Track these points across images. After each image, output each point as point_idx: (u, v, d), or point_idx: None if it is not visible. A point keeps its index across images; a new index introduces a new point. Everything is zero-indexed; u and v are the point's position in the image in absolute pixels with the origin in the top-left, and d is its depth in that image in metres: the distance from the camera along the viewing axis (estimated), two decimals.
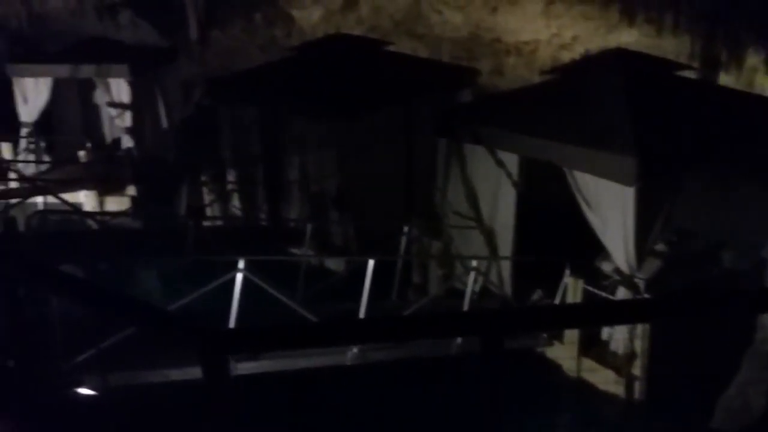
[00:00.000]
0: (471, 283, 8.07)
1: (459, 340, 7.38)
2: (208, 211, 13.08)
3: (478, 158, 9.08)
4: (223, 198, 12.84)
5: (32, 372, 5.53)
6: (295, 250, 10.45)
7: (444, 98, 11.42)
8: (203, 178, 13.33)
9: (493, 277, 9.03)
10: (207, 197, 13.35)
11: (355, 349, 6.93)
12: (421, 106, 10.75)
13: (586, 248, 8.14)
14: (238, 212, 12.65)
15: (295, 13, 13.99)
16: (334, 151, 10.77)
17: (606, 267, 8.05)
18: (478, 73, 12.64)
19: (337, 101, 10.78)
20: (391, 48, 12.92)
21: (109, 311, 4.38)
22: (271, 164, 11.98)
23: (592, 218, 7.85)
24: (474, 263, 8.23)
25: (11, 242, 8.83)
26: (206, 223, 11.83)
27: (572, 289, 7.85)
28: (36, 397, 5.45)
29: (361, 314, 7.10)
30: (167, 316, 3.73)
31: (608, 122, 7.94)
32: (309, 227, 10.01)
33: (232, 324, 6.55)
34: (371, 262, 7.22)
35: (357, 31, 13.53)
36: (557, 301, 8.17)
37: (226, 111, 12.63)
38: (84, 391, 5.60)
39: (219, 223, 12.65)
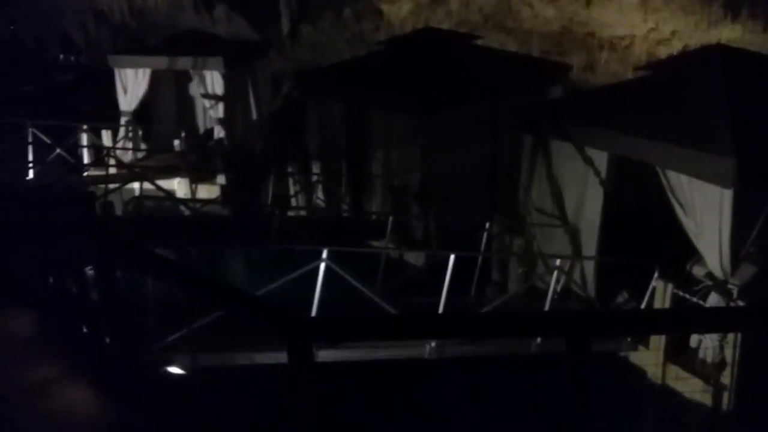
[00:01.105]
0: (554, 283, 7.92)
1: (539, 339, 7.27)
2: (293, 202, 13.39)
3: (565, 155, 8.88)
4: (308, 189, 13.09)
5: (126, 349, 5.85)
6: (375, 243, 10.55)
7: (533, 94, 11.22)
8: (289, 169, 13.63)
9: (577, 277, 8.82)
10: (292, 188, 13.66)
11: (433, 344, 6.95)
12: (509, 102, 10.60)
13: (677, 251, 7.83)
14: (321, 203, 12.88)
15: (384, 7, 14.08)
16: (417, 145, 10.78)
17: (698, 271, 7.72)
18: (569, 68, 12.34)
19: (423, 96, 10.78)
20: (480, 42, 12.78)
21: (201, 294, 4.58)
22: (355, 157, 12.12)
23: (686, 220, 7.54)
24: (557, 262, 8.07)
25: (109, 225, 9.35)
26: (291, 213, 12.13)
27: (661, 292, 7.58)
28: (129, 373, 5.77)
29: (441, 309, 7.11)
30: (256, 301, 3.86)
31: (706, 122, 7.59)
32: (390, 220, 10.07)
33: (314, 312, 6.71)
34: (452, 257, 7.21)
35: (445, 25, 13.49)
36: (644, 304, 7.90)
37: (313, 104, 12.86)
38: (173, 369, 5.87)
39: (303, 213, 12.93)
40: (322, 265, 6.93)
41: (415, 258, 10.26)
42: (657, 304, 7.57)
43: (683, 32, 11.54)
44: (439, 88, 10.91)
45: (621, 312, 7.14)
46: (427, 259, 9.83)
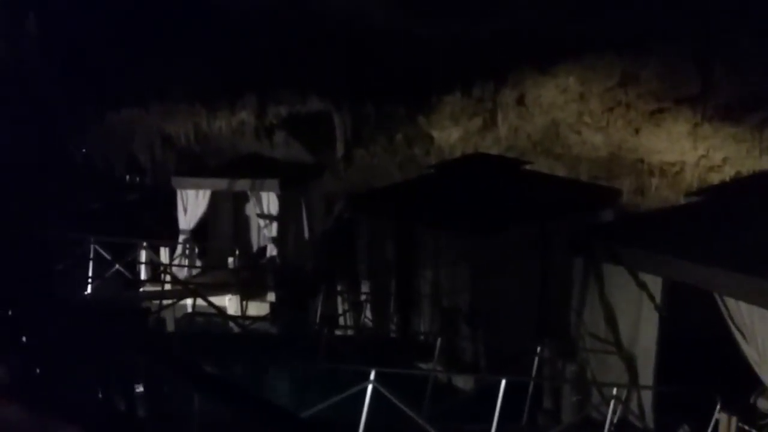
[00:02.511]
0: (611, 413, 7.54)
1: None
2: (341, 320, 13.37)
3: (618, 279, 8.72)
4: (356, 308, 13.10)
5: None
6: (423, 365, 10.35)
7: (584, 217, 11.25)
8: (338, 288, 13.73)
9: (634, 407, 8.39)
10: (341, 306, 13.69)
11: None
12: (559, 225, 10.62)
13: (740, 382, 7.43)
14: (369, 323, 12.82)
15: (435, 133, 14.63)
16: (467, 266, 10.78)
17: (763, 404, 7.27)
18: (620, 192, 12.39)
19: (472, 217, 10.92)
20: (529, 167, 13.04)
21: (248, 414, 4.54)
22: (404, 277, 12.16)
23: (747, 348, 7.20)
24: (614, 391, 7.72)
25: (160, 341, 9.47)
26: (338, 332, 12.08)
27: (724, 426, 7.13)
28: None
29: None
30: (304, 424, 3.81)
31: (764, 248, 7.42)
32: (439, 342, 9.93)
33: None
34: (503, 382, 7.00)
35: (494, 151, 13.87)
36: None
37: (363, 224, 13.13)
38: None
39: (351, 332, 12.86)
40: (369, 387, 6.81)
41: (464, 381, 9.99)
42: None
43: (734, 159, 11.57)
44: (489, 210, 11.06)
45: None
46: (477, 383, 9.56)
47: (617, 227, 10.45)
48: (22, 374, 8.37)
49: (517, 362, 9.06)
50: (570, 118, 13.63)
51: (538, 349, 9.05)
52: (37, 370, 8.18)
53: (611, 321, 8.78)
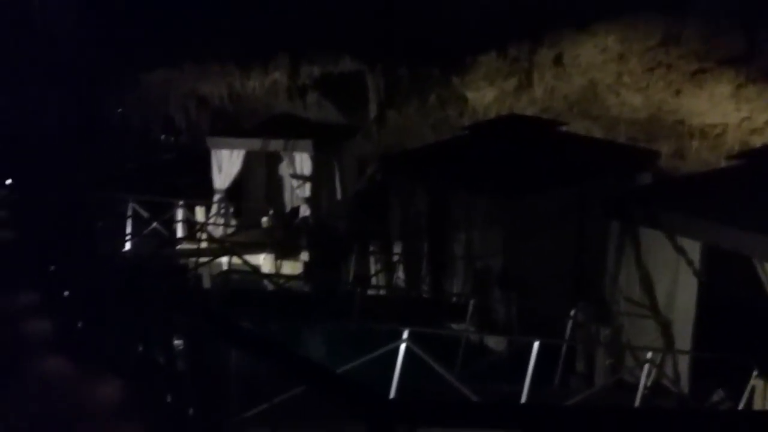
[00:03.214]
0: (644, 377, 7.52)
1: None
2: (374, 281, 13.48)
3: (655, 243, 8.60)
4: (389, 269, 13.17)
5: (208, 421, 5.92)
6: (454, 325, 10.41)
7: (621, 180, 11.06)
8: (371, 249, 13.80)
9: (669, 371, 8.35)
10: (373, 267, 13.78)
11: None
12: (595, 187, 10.47)
13: None
14: (402, 283, 12.90)
15: (469, 94, 14.41)
16: (500, 228, 10.73)
17: None
18: (658, 155, 12.13)
19: (506, 179, 10.82)
20: (565, 129, 12.82)
21: (283, 369, 4.63)
22: (437, 239, 12.17)
23: None
24: (648, 355, 7.68)
25: (198, 297, 9.66)
26: (371, 292, 12.19)
27: (760, 393, 7.06)
28: None
29: (523, 398, 6.86)
30: (339, 379, 3.86)
31: None
32: (471, 303, 9.95)
33: (392, 394, 6.61)
34: (536, 344, 7.01)
35: (530, 112, 13.62)
36: (742, 405, 7.36)
37: (396, 186, 13.11)
38: None
39: (383, 293, 12.97)
40: (402, 346, 6.88)
41: (496, 343, 10.04)
42: (756, 406, 7.05)
43: None
44: (522, 172, 10.94)
45: (719, 412, 6.68)
46: (509, 344, 9.60)
47: (656, 191, 10.26)
48: (65, 327, 8.66)
49: (550, 325, 9.04)
50: (608, 79, 13.29)
51: (572, 312, 9.02)
52: (80, 324, 8.46)
53: (647, 285, 8.70)
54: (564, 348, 8.77)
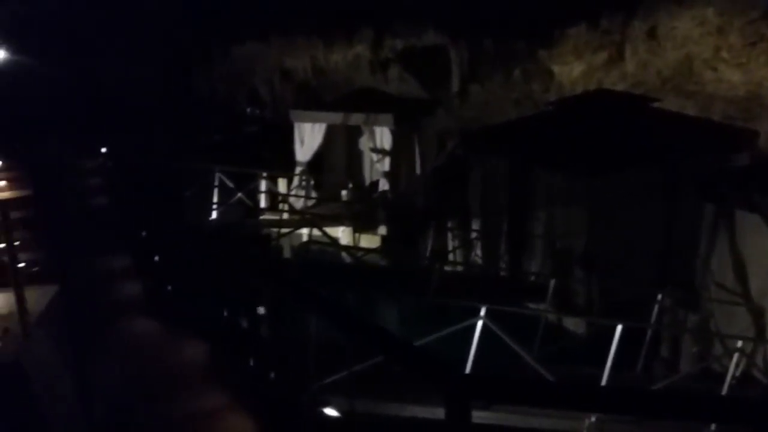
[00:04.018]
0: (733, 366, 7.20)
1: (713, 426, 6.60)
2: (451, 257, 13.44)
3: (752, 228, 8.16)
4: (467, 245, 13.10)
5: (288, 386, 6.09)
6: (532, 305, 10.26)
7: (715, 160, 10.52)
8: (449, 225, 13.74)
9: (759, 361, 7.96)
10: (451, 243, 13.73)
11: (593, 418, 6.54)
12: (688, 167, 10.00)
13: None
14: (479, 261, 12.80)
15: (556, 68, 13.96)
16: (584, 207, 10.45)
17: None
18: (756, 134, 11.44)
19: (591, 157, 10.48)
20: (657, 105, 12.27)
21: (363, 339, 4.68)
22: (517, 216, 11.98)
23: None
24: (738, 343, 7.34)
25: (279, 266, 9.90)
26: (447, 268, 12.17)
27: None
28: (288, 410, 5.98)
29: (603, 381, 6.71)
30: (418, 351, 3.87)
31: None
32: (552, 283, 9.77)
33: (467, 370, 6.60)
34: (619, 328, 6.81)
35: (620, 87, 13.08)
36: None
37: (477, 162, 12.95)
38: (330, 411, 6.00)
39: (459, 269, 12.92)
40: (479, 323, 6.85)
41: (575, 325, 9.84)
42: None
43: None
44: (609, 150, 10.56)
45: None
46: (589, 327, 9.39)
47: (754, 172, 9.70)
48: (155, 291, 9.07)
49: (634, 308, 8.77)
50: (706, 53, 12.57)
51: (659, 296, 8.71)
52: (169, 288, 8.84)
53: (741, 271, 8.29)
54: (649, 333, 8.49)
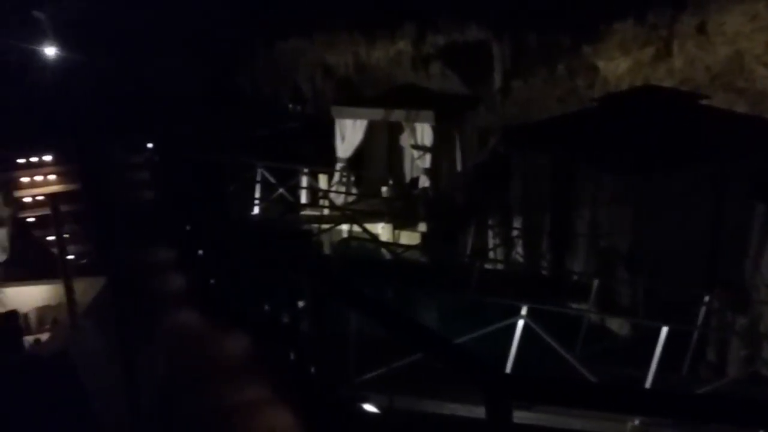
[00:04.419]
0: None
1: None
2: (491, 255, 13.33)
3: None
4: (507, 243, 12.97)
5: (328, 381, 6.12)
6: (575, 305, 10.12)
7: (765, 159, 10.19)
8: (490, 222, 13.63)
9: None
10: (491, 241, 13.62)
11: (636, 421, 6.42)
12: (737, 166, 9.72)
13: None
14: (520, 259, 12.67)
15: (601, 64, 13.72)
16: (629, 206, 10.24)
17: None
18: None
19: (637, 154, 10.27)
20: (706, 102, 11.95)
21: (404, 335, 4.68)
22: (559, 214, 11.81)
23: None
24: None
25: (319, 262, 9.96)
26: (488, 266, 12.07)
27: None
28: (327, 405, 6.01)
29: (647, 384, 6.58)
30: (458, 350, 3.86)
31: None
32: (595, 283, 9.61)
33: (508, 369, 6.55)
34: (664, 330, 6.67)
35: (667, 83, 12.80)
36: None
37: (519, 159, 12.81)
38: (369, 407, 6.01)
39: (500, 267, 12.80)
40: (520, 322, 6.78)
41: (618, 326, 9.67)
42: None
43: None
44: (655, 148, 10.33)
45: None
46: (633, 328, 9.21)
47: None
48: (198, 284, 9.23)
49: (680, 310, 8.57)
50: (757, 49, 12.21)
51: (706, 298, 8.50)
52: (212, 281, 8.98)
53: None
54: (695, 336, 8.29)
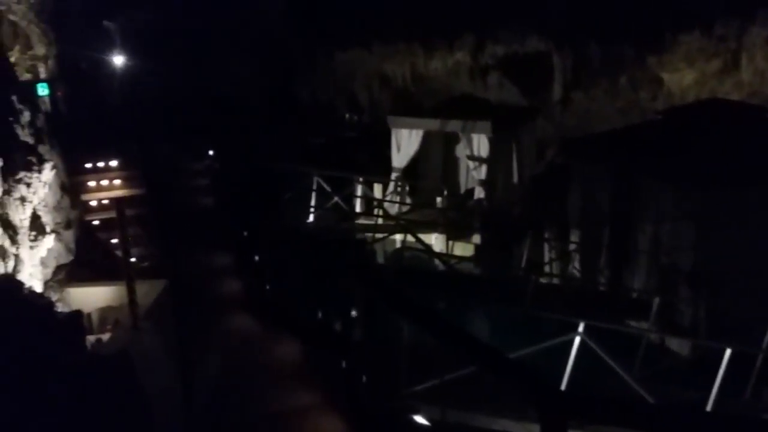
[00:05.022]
0: None
1: None
2: (547, 268, 13.09)
3: None
4: (564, 257, 12.72)
5: (379, 390, 6.11)
6: (633, 323, 9.83)
7: None
8: (546, 235, 13.39)
9: None
10: (547, 254, 13.37)
11: None
12: None
13: None
14: (577, 274, 12.40)
15: (665, 76, 13.39)
16: (693, 222, 9.91)
17: None
18: None
19: (702, 169, 9.93)
20: None
21: (457, 348, 4.63)
22: (620, 229, 11.51)
23: None
24: None
25: (372, 271, 9.97)
26: (543, 280, 11.85)
27: None
28: (378, 414, 6.00)
29: (709, 407, 6.33)
30: (513, 364, 3.79)
31: None
32: (656, 301, 9.32)
33: (563, 386, 6.40)
34: (728, 351, 6.41)
35: (734, 97, 12.39)
36: None
37: (578, 171, 12.56)
38: (419, 419, 5.97)
39: (556, 281, 12.56)
40: (577, 339, 6.63)
41: (679, 346, 9.34)
42: None
43: None
44: (722, 162, 9.97)
45: None
46: (694, 349, 8.89)
47: None
48: (254, 289, 9.37)
49: (745, 330, 8.22)
50: None
51: None
52: (267, 287, 9.11)
53: None
54: (760, 358, 7.93)
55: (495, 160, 14.82)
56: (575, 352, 6.47)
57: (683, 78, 13.10)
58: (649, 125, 12.27)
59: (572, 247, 12.62)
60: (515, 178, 15.17)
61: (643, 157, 11.00)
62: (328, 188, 14.25)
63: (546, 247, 13.44)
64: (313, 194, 14.28)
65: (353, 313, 6.39)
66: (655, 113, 12.68)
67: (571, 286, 12.21)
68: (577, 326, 6.66)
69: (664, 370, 8.22)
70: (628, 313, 10.13)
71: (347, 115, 21.54)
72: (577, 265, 12.38)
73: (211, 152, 15.91)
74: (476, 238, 14.28)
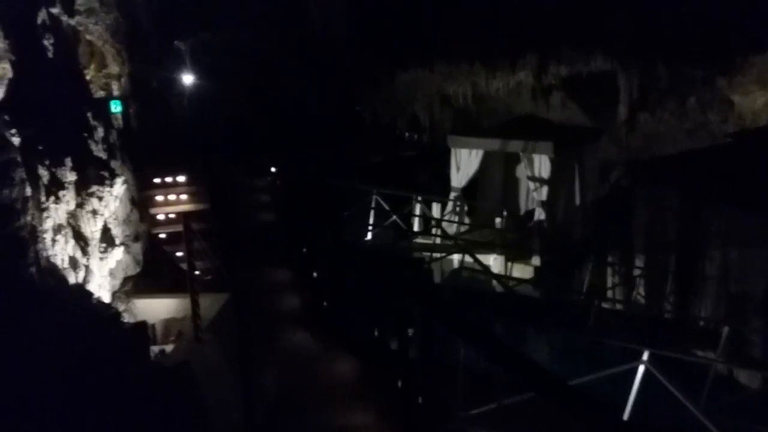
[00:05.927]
0: None
1: None
2: (610, 294, 12.75)
3: None
4: (628, 283, 12.37)
5: (435, 412, 6.05)
6: (700, 353, 9.47)
7: None
8: (609, 259, 13.07)
9: None
10: (610, 279, 13.04)
11: None
12: None
13: None
14: (641, 300, 12.04)
15: (736, 98, 12.95)
16: (765, 248, 9.51)
17: None
18: None
19: None
20: None
21: (515, 372, 4.55)
22: (687, 255, 11.14)
23: None
24: None
25: (430, 291, 9.92)
26: (606, 305, 11.55)
27: None
28: None
29: None
30: (574, 392, 3.70)
31: None
32: (725, 330, 8.96)
33: (626, 416, 6.21)
34: None
35: None
36: None
37: (643, 194, 12.24)
38: None
39: (619, 307, 12.21)
40: (641, 368, 6.42)
41: (749, 378, 8.93)
42: None
43: None
44: None
45: None
46: (765, 381, 8.49)
47: None
48: (312, 306, 9.45)
49: None
50: None
51: None
52: (325, 303, 9.17)
53: None
54: None
55: (556, 181, 14.58)
56: (639, 381, 6.27)
57: (755, 100, 12.64)
58: (719, 148, 11.89)
59: (637, 272, 12.27)
60: (577, 200, 14.89)
61: (712, 181, 10.66)
62: (386, 206, 14.30)
63: (609, 271, 13.12)
64: (372, 212, 14.35)
65: (410, 332, 6.37)
66: (725, 136, 12.27)
67: (635, 313, 11.86)
68: (641, 354, 6.46)
69: (732, 403, 7.86)
70: (695, 343, 9.78)
71: (407, 134, 21.63)
72: (641, 291, 12.03)
73: (273, 169, 16.22)
74: (536, 260, 14.03)
